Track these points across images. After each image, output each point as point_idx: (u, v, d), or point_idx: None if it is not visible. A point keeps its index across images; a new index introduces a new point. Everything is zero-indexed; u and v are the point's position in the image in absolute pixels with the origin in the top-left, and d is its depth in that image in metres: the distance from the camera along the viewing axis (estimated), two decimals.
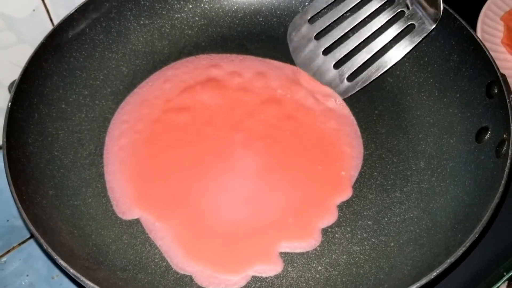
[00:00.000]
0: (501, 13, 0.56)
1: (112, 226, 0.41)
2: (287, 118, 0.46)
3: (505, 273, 0.43)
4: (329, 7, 0.48)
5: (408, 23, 0.46)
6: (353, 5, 0.47)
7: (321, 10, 0.48)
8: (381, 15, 0.47)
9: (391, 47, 0.47)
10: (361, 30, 0.47)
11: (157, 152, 0.44)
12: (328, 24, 0.48)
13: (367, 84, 0.47)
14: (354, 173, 0.43)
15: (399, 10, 0.47)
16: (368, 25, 0.47)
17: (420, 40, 0.46)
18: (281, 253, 0.40)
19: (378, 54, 0.47)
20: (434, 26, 0.45)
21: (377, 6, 0.47)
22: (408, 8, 0.46)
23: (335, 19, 0.48)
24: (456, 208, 0.40)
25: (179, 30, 0.51)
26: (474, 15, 0.54)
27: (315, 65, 0.48)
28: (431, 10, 0.45)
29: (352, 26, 0.47)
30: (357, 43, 0.47)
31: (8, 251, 0.45)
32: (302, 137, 0.45)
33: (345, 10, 0.48)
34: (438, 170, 0.43)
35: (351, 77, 0.47)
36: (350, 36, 0.48)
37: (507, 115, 0.39)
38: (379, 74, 0.47)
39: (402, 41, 0.47)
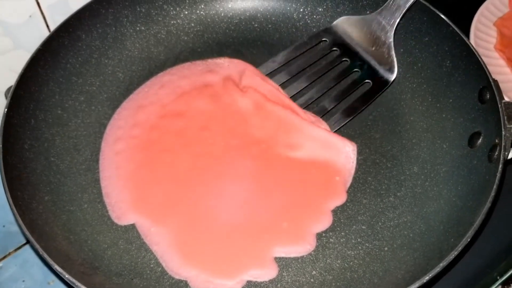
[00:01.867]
0: (494, 19, 0.56)
1: (108, 232, 0.41)
2: (282, 124, 0.46)
3: (498, 277, 0.43)
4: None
5: (364, 82, 0.47)
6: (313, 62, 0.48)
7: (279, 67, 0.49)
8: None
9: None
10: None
11: (153, 157, 0.44)
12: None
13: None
14: (349, 178, 0.44)
15: (354, 70, 0.48)
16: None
17: (376, 95, 0.47)
18: (276, 258, 0.40)
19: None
20: (389, 83, 0.47)
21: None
22: (362, 68, 0.48)
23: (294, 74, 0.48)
24: (449, 213, 0.40)
25: (175, 36, 0.52)
26: (467, 21, 0.55)
27: None
28: (385, 71, 0.47)
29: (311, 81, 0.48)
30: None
31: (4, 257, 0.45)
32: (296, 142, 0.45)
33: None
34: (432, 175, 0.44)
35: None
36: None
37: (498, 120, 0.40)
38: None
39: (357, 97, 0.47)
